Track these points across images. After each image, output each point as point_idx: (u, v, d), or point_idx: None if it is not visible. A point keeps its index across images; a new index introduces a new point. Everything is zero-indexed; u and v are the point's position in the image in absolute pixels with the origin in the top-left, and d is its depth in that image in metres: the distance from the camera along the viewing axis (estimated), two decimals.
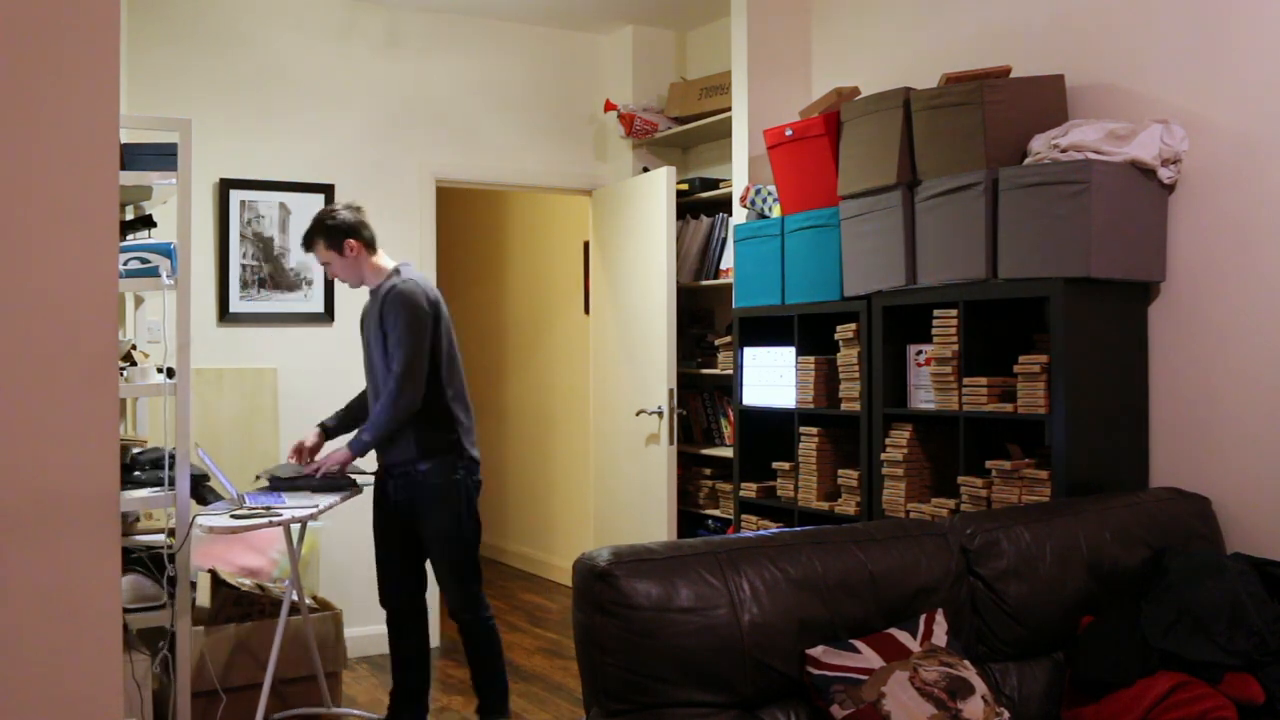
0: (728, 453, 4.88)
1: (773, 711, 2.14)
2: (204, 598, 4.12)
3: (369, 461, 3.99)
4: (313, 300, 5.18)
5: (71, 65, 1.23)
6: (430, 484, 3.76)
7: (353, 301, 5.25)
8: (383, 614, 3.98)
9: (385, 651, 5.20)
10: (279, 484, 3.82)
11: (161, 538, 3.68)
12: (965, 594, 2.46)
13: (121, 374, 3.38)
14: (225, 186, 4.99)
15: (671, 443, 5.07)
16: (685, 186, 5.23)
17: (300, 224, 5.15)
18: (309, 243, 3.91)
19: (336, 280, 4.16)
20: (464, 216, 7.93)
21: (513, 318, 7.52)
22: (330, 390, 5.17)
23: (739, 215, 4.51)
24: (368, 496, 4.00)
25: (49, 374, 1.22)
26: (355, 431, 3.86)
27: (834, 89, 3.93)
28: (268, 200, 5.07)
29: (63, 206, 1.23)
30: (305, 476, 3.81)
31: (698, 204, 5.31)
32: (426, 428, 3.75)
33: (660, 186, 5.12)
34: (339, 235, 3.84)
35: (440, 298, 3.86)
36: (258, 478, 4.04)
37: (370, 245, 3.89)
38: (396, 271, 3.85)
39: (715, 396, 5.26)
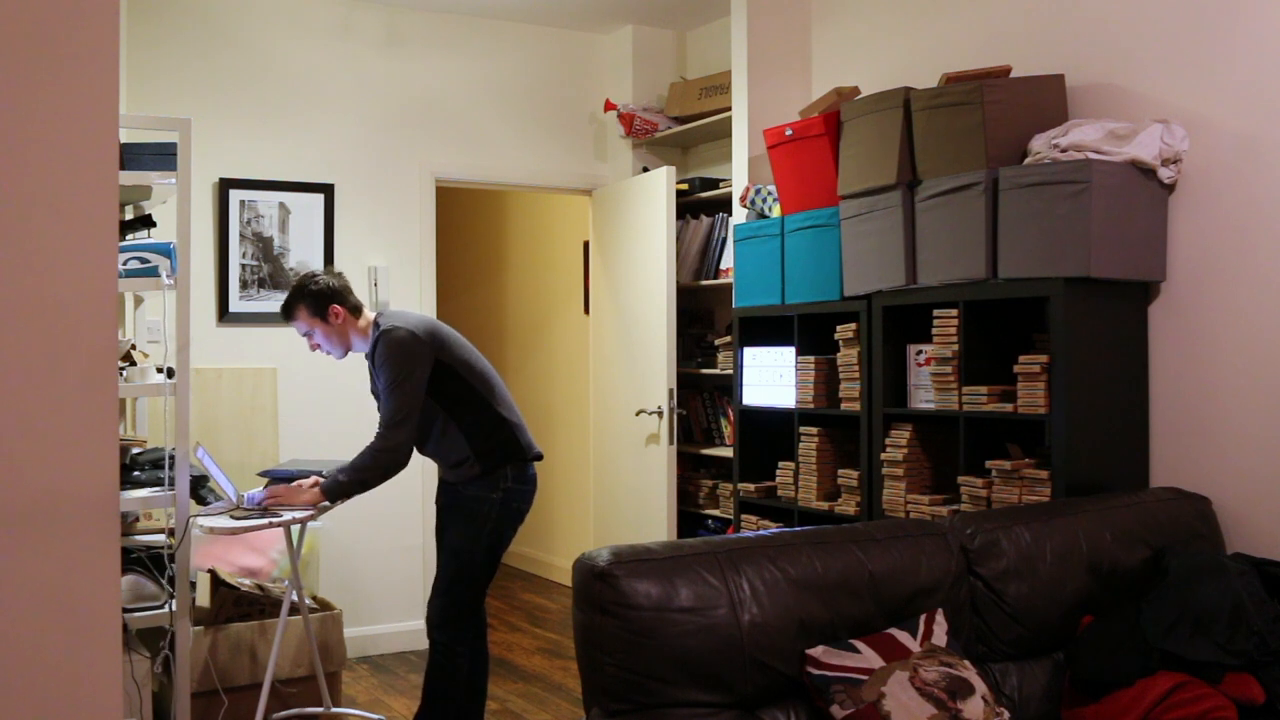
0: (728, 453, 4.88)
1: (773, 711, 2.14)
2: (204, 598, 4.12)
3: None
4: None
5: (71, 65, 1.23)
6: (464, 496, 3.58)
7: None
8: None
9: (385, 651, 5.21)
10: (277, 484, 3.81)
11: (161, 538, 3.68)
12: (965, 594, 2.46)
13: (121, 374, 3.37)
14: (225, 186, 4.99)
15: (671, 443, 5.07)
16: (685, 186, 5.22)
17: (300, 224, 5.15)
18: (290, 310, 3.63)
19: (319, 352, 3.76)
20: (464, 216, 7.93)
21: (513, 318, 7.51)
22: (330, 390, 5.17)
23: (739, 215, 4.51)
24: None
25: (49, 374, 1.22)
26: (334, 469, 3.58)
27: (834, 89, 3.93)
28: (267, 200, 5.07)
29: (63, 206, 1.23)
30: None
31: (698, 204, 5.31)
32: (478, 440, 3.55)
33: (660, 186, 5.12)
34: (324, 301, 3.58)
35: (436, 326, 3.58)
36: (261, 473, 4.03)
37: (356, 311, 3.63)
38: (376, 324, 3.54)
39: (715, 396, 5.26)
